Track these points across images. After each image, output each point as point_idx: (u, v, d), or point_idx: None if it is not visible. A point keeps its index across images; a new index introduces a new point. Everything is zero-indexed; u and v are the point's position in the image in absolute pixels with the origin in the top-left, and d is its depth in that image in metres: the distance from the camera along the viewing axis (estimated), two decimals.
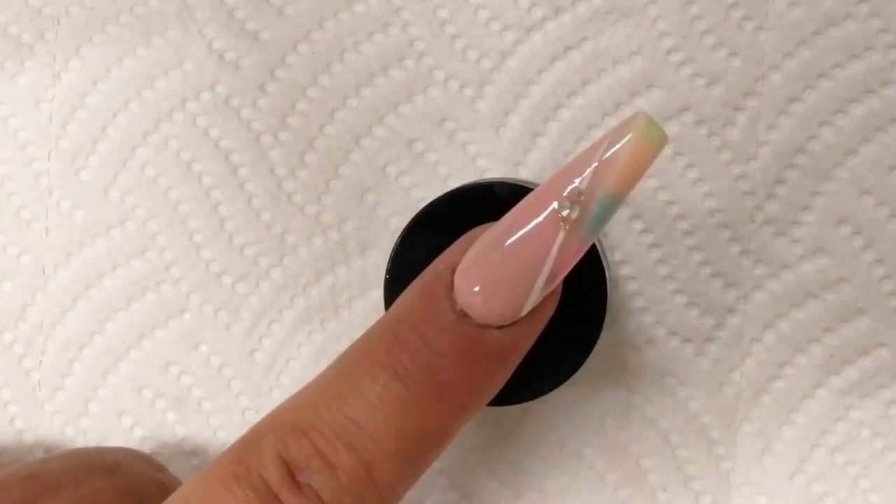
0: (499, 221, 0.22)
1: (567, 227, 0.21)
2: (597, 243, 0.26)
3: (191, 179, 0.30)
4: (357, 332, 0.24)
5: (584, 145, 0.29)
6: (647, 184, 0.29)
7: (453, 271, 0.22)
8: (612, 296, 0.26)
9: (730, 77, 0.29)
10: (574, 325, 0.25)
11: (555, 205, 0.21)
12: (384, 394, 0.22)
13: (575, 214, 0.21)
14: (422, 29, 0.29)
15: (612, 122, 0.29)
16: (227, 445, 0.30)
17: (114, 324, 0.30)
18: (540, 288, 0.22)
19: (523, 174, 0.29)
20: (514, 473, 0.30)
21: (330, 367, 0.23)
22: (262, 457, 0.22)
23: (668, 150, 0.29)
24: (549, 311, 0.23)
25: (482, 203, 0.25)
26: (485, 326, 0.22)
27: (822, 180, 0.29)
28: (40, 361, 0.30)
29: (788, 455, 0.29)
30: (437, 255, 0.23)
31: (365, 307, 0.30)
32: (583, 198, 0.21)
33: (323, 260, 0.30)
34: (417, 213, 0.26)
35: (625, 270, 0.29)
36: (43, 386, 0.30)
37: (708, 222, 0.29)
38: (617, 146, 0.21)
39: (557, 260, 0.22)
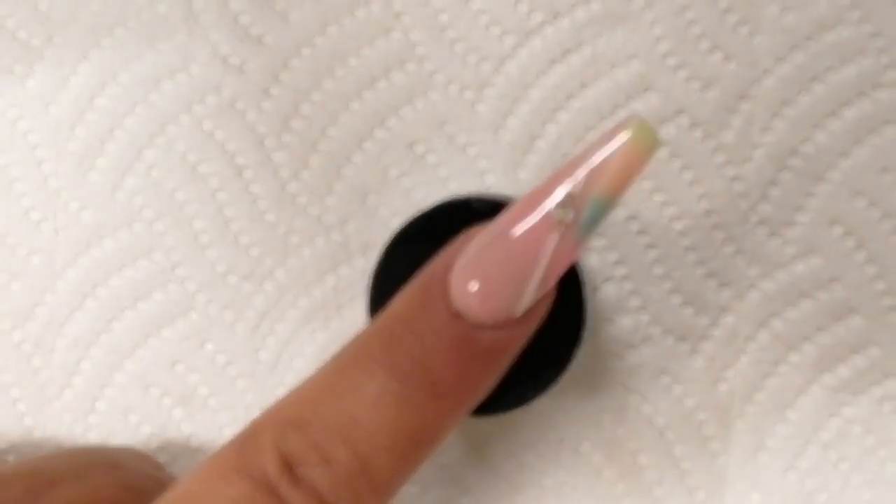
0: (494, 221, 0.22)
1: (561, 230, 0.21)
2: None
3: (197, 181, 0.30)
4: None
5: (582, 148, 0.29)
6: (643, 185, 0.29)
7: (448, 272, 0.22)
8: (591, 305, 0.26)
9: (724, 80, 0.29)
10: (553, 336, 0.25)
11: (549, 206, 0.21)
12: (380, 391, 0.22)
13: (569, 217, 0.21)
14: (423, 34, 0.29)
15: (610, 125, 0.29)
16: None
17: (121, 323, 0.30)
18: (534, 289, 0.22)
19: (522, 176, 0.29)
20: (514, 469, 0.30)
21: (328, 363, 0.23)
22: (261, 450, 0.22)
23: (663, 153, 0.29)
24: (543, 313, 0.23)
25: (464, 217, 0.24)
26: (479, 327, 0.22)
27: (815, 182, 0.29)
28: (49, 360, 0.30)
29: (782, 451, 0.29)
30: (420, 271, 0.23)
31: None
32: (576, 200, 0.21)
33: (326, 260, 0.30)
34: (400, 228, 0.26)
35: (621, 270, 0.29)
36: (51, 384, 0.31)
37: (703, 223, 0.29)
38: (611, 148, 0.21)
39: (551, 262, 0.21)
